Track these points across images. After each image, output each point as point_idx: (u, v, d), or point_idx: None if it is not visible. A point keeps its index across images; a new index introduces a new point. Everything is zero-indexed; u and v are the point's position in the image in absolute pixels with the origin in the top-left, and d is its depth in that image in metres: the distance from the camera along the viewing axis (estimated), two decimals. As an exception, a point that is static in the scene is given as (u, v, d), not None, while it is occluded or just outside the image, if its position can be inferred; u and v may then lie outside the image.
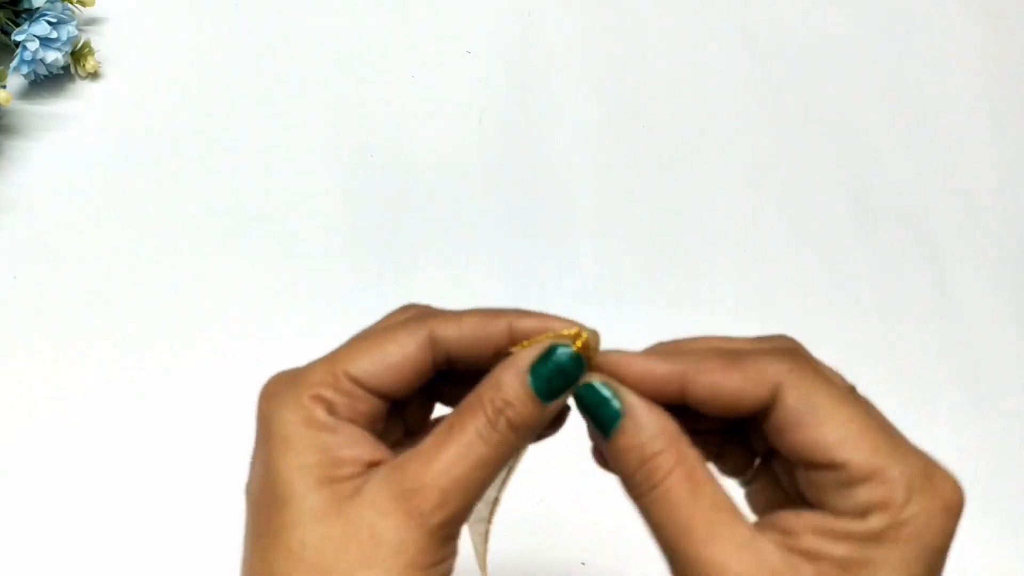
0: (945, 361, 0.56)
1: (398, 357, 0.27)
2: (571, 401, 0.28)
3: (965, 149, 0.63)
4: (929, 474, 0.25)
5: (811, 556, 0.24)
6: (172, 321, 0.53)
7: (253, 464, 0.27)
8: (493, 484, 0.28)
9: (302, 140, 0.59)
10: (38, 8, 0.57)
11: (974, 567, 0.49)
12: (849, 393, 0.26)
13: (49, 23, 0.57)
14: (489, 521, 0.30)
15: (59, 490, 0.48)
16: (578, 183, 0.60)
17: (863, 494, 0.24)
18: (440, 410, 0.31)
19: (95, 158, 0.58)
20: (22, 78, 0.59)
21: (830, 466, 0.24)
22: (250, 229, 0.56)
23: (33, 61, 0.57)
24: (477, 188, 0.59)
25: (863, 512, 0.24)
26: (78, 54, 0.59)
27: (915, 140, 0.63)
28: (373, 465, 0.26)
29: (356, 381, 0.27)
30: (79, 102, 0.60)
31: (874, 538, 0.24)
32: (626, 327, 0.55)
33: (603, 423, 0.26)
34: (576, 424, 0.29)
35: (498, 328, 0.28)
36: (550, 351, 0.26)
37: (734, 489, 0.29)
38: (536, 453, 0.29)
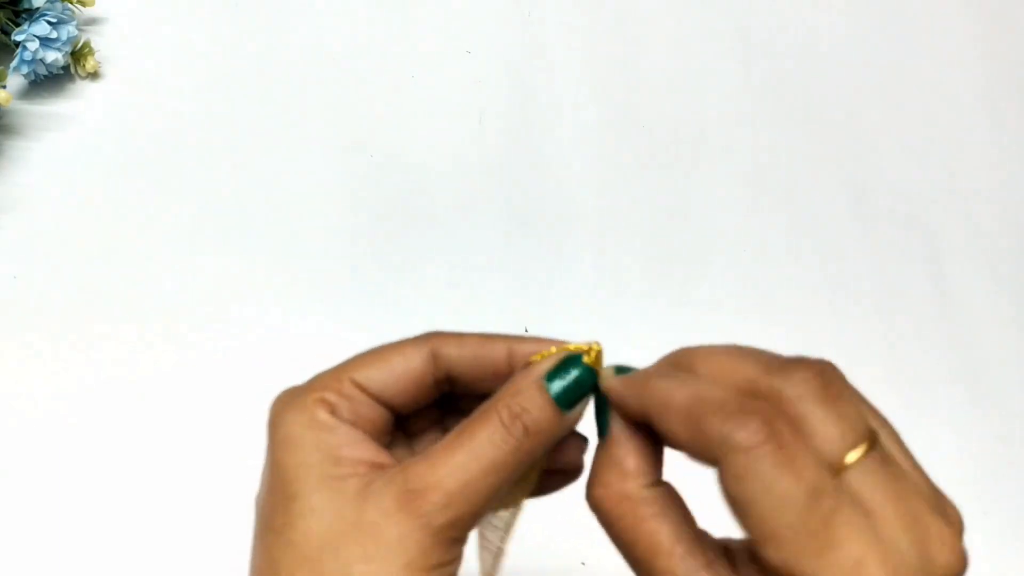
0: (945, 361, 0.56)
1: (401, 368, 0.28)
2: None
3: (965, 149, 0.63)
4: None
5: None
6: (172, 321, 0.53)
7: (264, 469, 0.28)
8: (497, 530, 0.29)
9: (302, 140, 0.59)
10: (38, 8, 0.57)
11: (974, 567, 0.49)
12: (814, 489, 0.22)
13: (49, 23, 0.57)
14: (494, 572, 0.30)
15: (59, 490, 0.48)
16: (578, 183, 0.60)
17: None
18: None
19: (95, 158, 0.58)
20: (22, 78, 0.59)
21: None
22: (250, 229, 0.56)
23: (33, 61, 0.57)
24: (477, 188, 0.59)
25: None
26: (78, 54, 0.59)
27: (915, 140, 0.63)
28: (376, 467, 0.27)
29: (359, 386, 0.28)
30: (79, 102, 0.60)
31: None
32: (626, 327, 0.55)
33: (601, 425, 0.27)
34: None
35: (497, 350, 0.28)
36: (567, 361, 0.27)
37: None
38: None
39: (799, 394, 0.23)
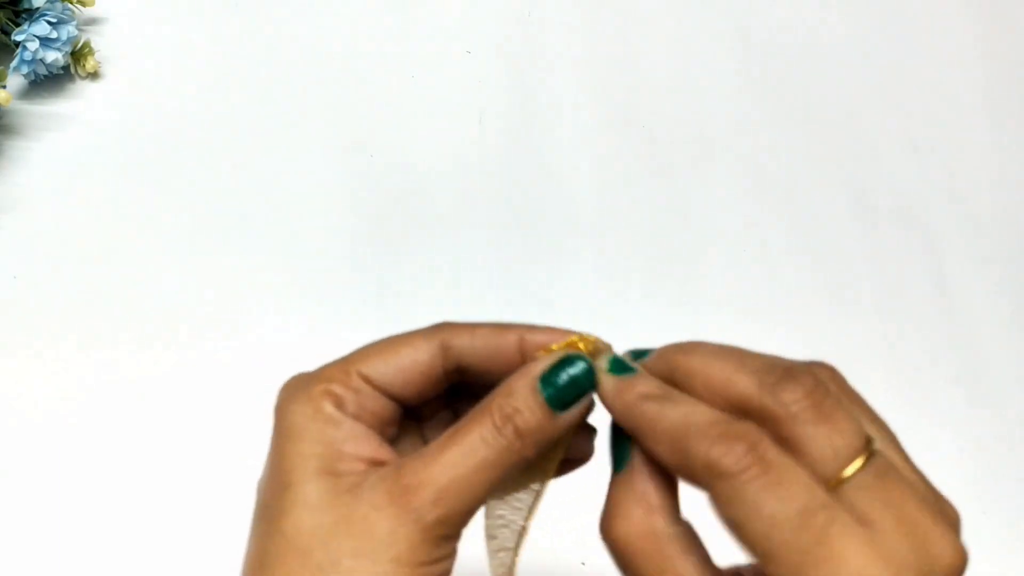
0: (945, 361, 0.56)
1: (409, 360, 0.28)
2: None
3: (965, 149, 0.63)
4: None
5: None
6: (172, 321, 0.53)
7: (267, 459, 0.28)
8: (519, 511, 0.28)
9: (302, 140, 0.59)
10: (38, 8, 0.57)
11: (974, 567, 0.49)
12: (804, 508, 0.22)
13: (49, 23, 0.57)
14: (516, 552, 0.29)
15: (59, 490, 0.48)
16: (578, 183, 0.60)
17: None
18: None
19: (95, 158, 0.58)
20: (22, 78, 0.59)
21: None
22: (250, 229, 0.56)
23: (33, 61, 0.57)
24: (477, 188, 0.59)
25: None
26: (78, 54, 0.59)
27: (915, 140, 0.63)
28: (376, 464, 0.27)
29: (366, 379, 0.27)
30: (79, 102, 0.60)
31: None
32: (626, 327, 0.55)
33: (615, 459, 0.27)
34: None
35: (509, 340, 0.28)
36: (563, 361, 0.27)
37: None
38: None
39: (792, 414, 0.23)
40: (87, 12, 0.62)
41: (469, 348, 0.28)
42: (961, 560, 0.23)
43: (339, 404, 0.27)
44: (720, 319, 0.56)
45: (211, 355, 0.52)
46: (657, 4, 0.67)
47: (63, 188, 0.56)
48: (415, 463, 0.26)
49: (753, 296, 0.57)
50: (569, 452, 0.29)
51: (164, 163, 0.58)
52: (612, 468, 0.27)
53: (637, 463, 0.26)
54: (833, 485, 0.23)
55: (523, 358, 0.28)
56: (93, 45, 0.60)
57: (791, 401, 0.24)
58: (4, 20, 0.57)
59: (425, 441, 0.31)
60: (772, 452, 0.23)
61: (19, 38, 0.56)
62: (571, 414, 0.27)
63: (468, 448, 0.26)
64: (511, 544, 0.29)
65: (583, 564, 0.48)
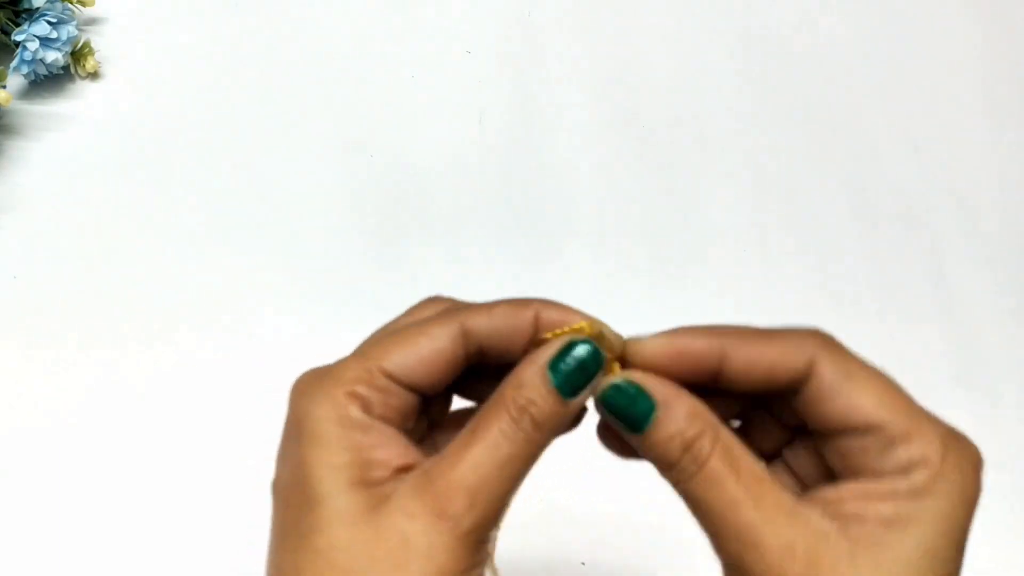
0: (945, 360, 0.56)
1: (432, 351, 0.27)
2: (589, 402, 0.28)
3: (965, 149, 0.63)
4: (955, 435, 0.26)
5: (856, 519, 0.25)
6: (172, 321, 0.53)
7: (283, 460, 0.27)
8: None
9: (302, 140, 0.59)
10: (38, 8, 0.57)
11: (974, 565, 0.49)
12: (875, 367, 0.27)
13: (49, 23, 0.57)
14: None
15: (59, 490, 0.48)
16: (578, 183, 0.60)
17: (903, 452, 0.25)
18: (458, 402, 0.31)
19: (95, 158, 0.58)
20: (22, 78, 0.59)
21: (869, 429, 0.25)
22: (250, 229, 0.56)
23: (33, 61, 0.57)
24: (477, 188, 0.59)
25: (905, 469, 0.25)
26: (78, 54, 0.59)
27: (915, 140, 0.63)
28: (404, 469, 0.26)
29: (391, 376, 0.27)
30: (79, 102, 0.60)
31: (917, 493, 0.25)
32: (626, 327, 0.55)
33: (636, 419, 0.26)
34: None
35: (526, 318, 0.28)
36: (568, 347, 0.26)
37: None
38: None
39: (822, 331, 0.28)
40: (87, 12, 0.62)
41: (488, 330, 0.27)
42: (981, 455, 0.27)
43: (366, 407, 0.26)
44: (720, 318, 0.56)
45: (211, 355, 0.52)
46: (657, 4, 0.67)
47: (63, 188, 0.56)
48: (441, 466, 0.25)
49: (753, 296, 0.57)
50: None
51: (164, 163, 0.58)
52: (625, 428, 0.27)
53: (666, 396, 0.26)
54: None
55: (538, 335, 0.28)
56: (93, 45, 0.60)
57: (812, 328, 0.28)
58: (4, 20, 0.57)
59: (431, 419, 0.30)
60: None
61: (19, 38, 0.56)
62: (580, 399, 0.27)
63: (491, 445, 0.25)
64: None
65: (583, 564, 0.48)
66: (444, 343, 0.27)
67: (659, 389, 0.27)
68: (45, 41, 0.57)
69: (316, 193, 0.58)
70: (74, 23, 0.58)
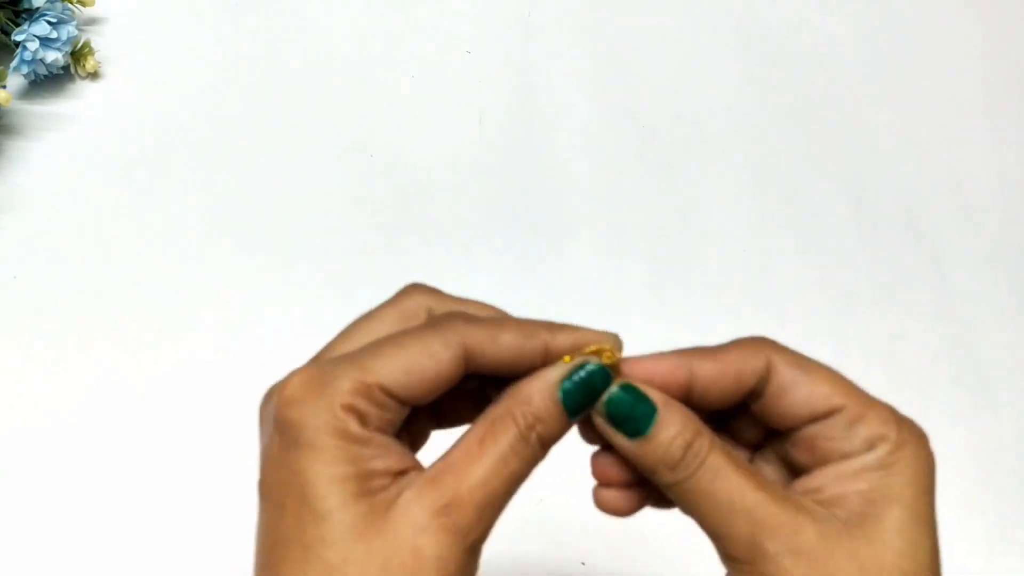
0: (945, 360, 0.56)
1: (432, 371, 0.27)
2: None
3: (965, 149, 0.63)
4: (899, 413, 0.28)
5: (838, 500, 0.27)
6: (172, 321, 0.53)
7: (275, 465, 0.26)
8: None
9: (302, 140, 0.59)
10: (38, 8, 0.57)
11: (973, 565, 0.49)
12: (821, 362, 0.29)
13: (49, 23, 0.57)
14: None
15: (59, 490, 0.48)
16: (578, 183, 0.60)
17: (864, 431, 0.27)
18: None
19: (95, 158, 0.58)
20: (22, 78, 0.59)
21: (831, 411, 0.27)
22: (250, 229, 0.56)
23: (33, 61, 0.57)
24: (477, 188, 0.59)
25: (869, 446, 0.27)
26: (78, 54, 0.59)
27: (915, 140, 0.63)
28: (401, 474, 0.26)
29: (388, 392, 0.26)
30: (79, 102, 0.60)
31: (885, 466, 0.27)
32: (626, 327, 0.55)
33: (638, 423, 0.27)
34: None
35: (535, 346, 0.28)
36: (580, 368, 0.27)
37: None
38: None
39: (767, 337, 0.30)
40: (87, 12, 0.62)
41: (493, 355, 0.27)
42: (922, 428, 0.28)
43: (363, 421, 0.26)
44: (720, 318, 0.56)
45: (211, 355, 0.52)
46: (657, 4, 0.67)
47: (63, 188, 0.56)
48: (449, 478, 0.26)
49: (753, 296, 0.57)
50: None
51: (164, 163, 0.58)
52: (628, 433, 0.27)
53: (663, 400, 0.27)
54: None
55: (546, 362, 0.28)
56: (93, 45, 0.60)
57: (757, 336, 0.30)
58: (4, 20, 0.57)
59: (409, 423, 0.30)
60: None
61: (19, 38, 0.56)
62: (581, 417, 0.28)
63: (500, 460, 0.26)
64: None
65: (583, 564, 0.48)
66: (445, 364, 0.27)
67: (655, 395, 0.28)
68: (45, 41, 0.57)
69: (316, 193, 0.58)
70: (74, 23, 0.58)
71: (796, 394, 0.28)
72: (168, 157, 0.58)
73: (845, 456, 0.27)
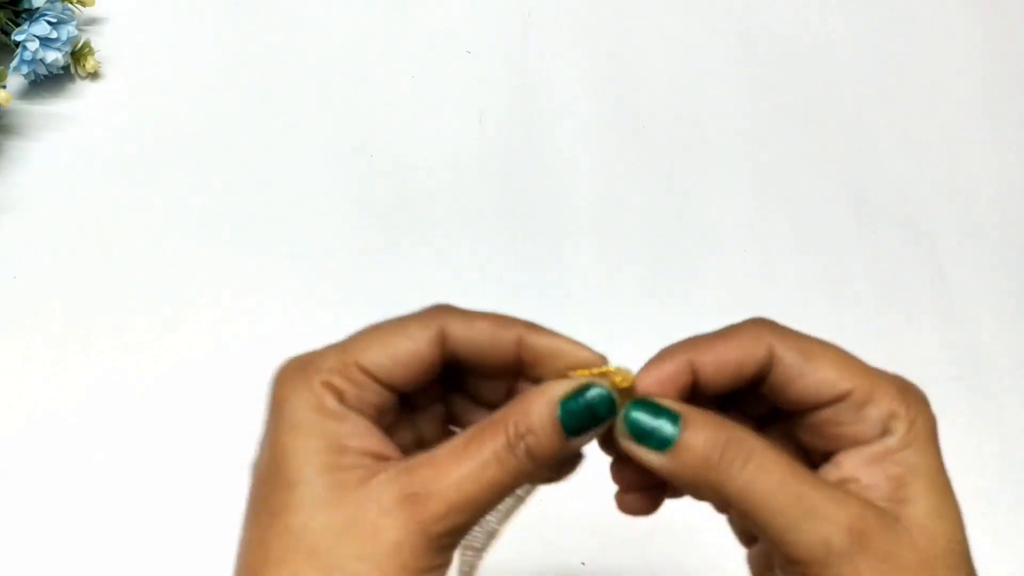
0: (945, 360, 0.56)
1: (407, 351, 0.28)
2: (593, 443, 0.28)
3: (965, 149, 0.63)
4: (902, 379, 0.28)
5: (871, 488, 0.27)
6: (172, 321, 0.53)
7: (261, 444, 0.28)
8: (497, 513, 0.28)
9: (302, 140, 0.59)
10: (38, 8, 0.57)
11: (978, 562, 0.49)
12: (824, 340, 0.29)
13: (49, 23, 0.57)
14: (483, 550, 0.30)
15: (59, 490, 0.48)
16: (578, 183, 0.60)
17: (875, 411, 0.27)
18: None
19: (95, 158, 0.58)
20: (22, 78, 0.59)
21: (838, 397, 0.27)
22: (249, 229, 0.56)
23: (33, 61, 0.57)
24: (477, 188, 0.59)
25: (884, 428, 0.27)
26: (78, 54, 0.59)
27: (915, 140, 0.63)
28: (379, 458, 0.27)
29: (366, 371, 0.27)
30: (79, 102, 0.60)
31: (907, 444, 0.27)
32: (626, 327, 0.55)
33: (663, 433, 0.27)
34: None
35: (508, 337, 0.28)
36: (585, 388, 0.27)
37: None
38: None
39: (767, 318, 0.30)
40: (87, 12, 0.62)
41: (465, 340, 0.28)
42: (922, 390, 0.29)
43: (340, 397, 0.27)
44: (719, 318, 0.56)
45: (211, 354, 0.52)
46: (657, 4, 0.67)
47: (63, 188, 0.56)
48: (426, 470, 0.26)
49: (753, 296, 0.57)
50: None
51: (164, 163, 0.58)
52: (655, 446, 0.27)
53: (694, 424, 0.27)
54: None
55: (518, 360, 0.28)
56: (93, 45, 0.60)
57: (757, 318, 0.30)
58: (4, 20, 0.57)
59: (416, 429, 0.30)
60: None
61: (19, 38, 0.56)
62: (580, 441, 0.27)
63: (480, 464, 0.26)
64: (479, 544, 0.29)
65: (583, 564, 0.48)
66: (420, 345, 0.28)
67: (673, 404, 0.27)
68: (45, 41, 0.57)
69: (316, 193, 0.58)
70: (74, 23, 0.58)
71: (801, 383, 0.28)
72: (168, 157, 0.58)
73: (858, 441, 0.27)
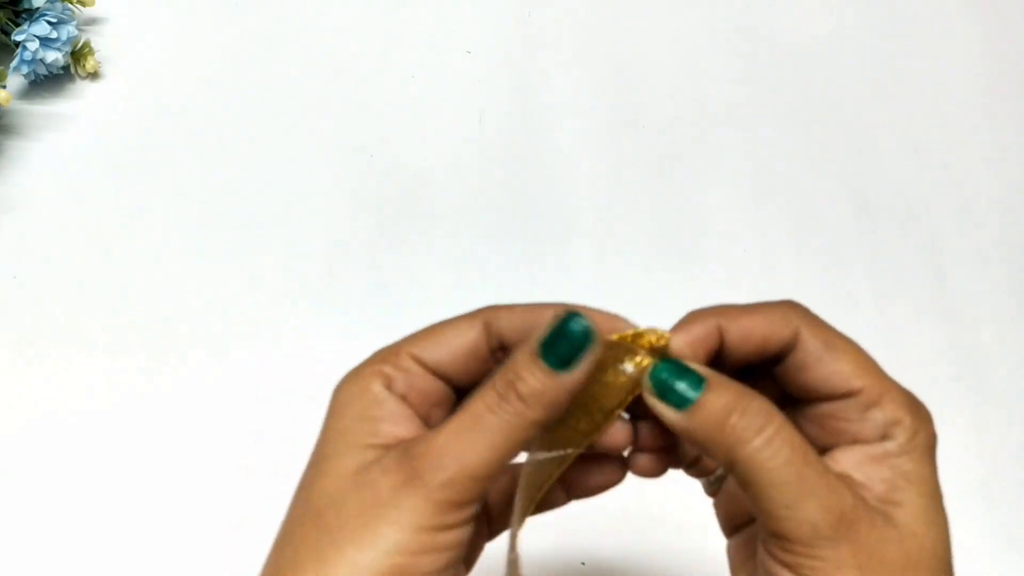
0: (945, 361, 0.56)
1: (456, 340, 0.29)
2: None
3: (965, 149, 0.63)
4: (911, 394, 0.29)
5: (863, 486, 0.27)
6: (172, 321, 0.53)
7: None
8: (544, 468, 0.29)
9: (302, 140, 0.59)
10: (38, 8, 0.57)
11: (975, 566, 0.49)
12: (848, 337, 0.29)
13: (49, 23, 0.57)
14: (519, 520, 0.30)
15: (58, 491, 0.48)
16: (578, 183, 0.60)
17: (879, 415, 0.28)
18: None
19: (95, 158, 0.58)
20: (22, 78, 0.59)
21: (849, 393, 0.28)
22: (249, 229, 0.56)
23: (33, 61, 0.57)
24: (477, 188, 0.59)
25: (886, 431, 0.27)
26: (78, 54, 0.59)
27: (915, 140, 0.63)
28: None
29: (416, 359, 0.29)
30: (79, 102, 0.60)
31: (905, 451, 0.27)
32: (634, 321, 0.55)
33: (684, 392, 0.27)
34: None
35: (544, 315, 0.28)
36: (559, 321, 0.27)
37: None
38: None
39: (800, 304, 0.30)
40: (87, 12, 0.62)
41: (508, 326, 0.29)
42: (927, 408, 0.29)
43: (388, 384, 0.28)
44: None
45: (211, 354, 0.52)
46: (657, 4, 0.67)
47: (63, 188, 0.56)
48: (426, 435, 0.27)
49: (753, 296, 0.57)
50: (607, 447, 0.30)
51: (164, 163, 0.58)
52: (674, 405, 0.27)
53: (717, 387, 0.27)
54: None
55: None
56: (93, 45, 0.60)
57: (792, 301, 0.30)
58: (4, 20, 0.57)
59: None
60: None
61: (19, 38, 0.56)
62: (576, 372, 0.27)
63: (472, 416, 0.27)
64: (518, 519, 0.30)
65: (583, 564, 0.48)
66: (469, 334, 0.29)
67: (700, 368, 0.28)
68: (45, 41, 0.57)
69: (316, 193, 0.58)
70: (74, 23, 0.58)
71: (817, 371, 0.28)
72: (168, 157, 0.58)
73: (857, 440, 0.28)
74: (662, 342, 0.29)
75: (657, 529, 0.48)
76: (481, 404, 0.27)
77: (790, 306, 0.29)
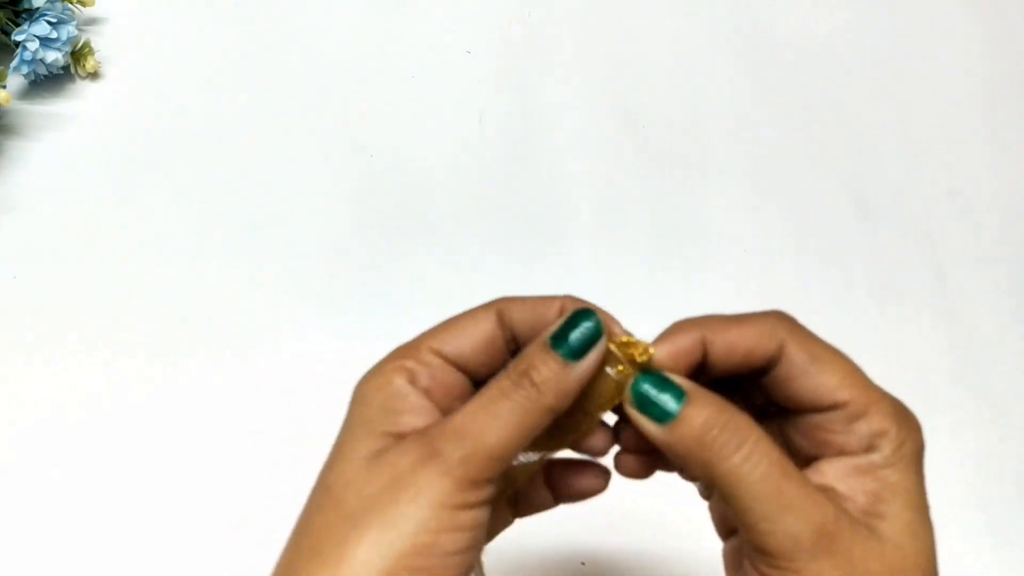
0: (945, 360, 0.56)
1: (472, 332, 0.30)
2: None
3: (965, 149, 0.63)
4: (900, 404, 0.28)
5: (847, 498, 0.27)
6: (171, 321, 0.53)
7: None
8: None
9: (302, 140, 0.59)
10: (38, 8, 0.57)
11: (975, 567, 0.50)
12: (835, 348, 0.29)
13: (49, 23, 0.57)
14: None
15: (57, 491, 0.48)
16: (578, 183, 0.60)
17: (865, 427, 0.27)
18: None
19: (95, 158, 0.58)
20: (22, 78, 0.59)
21: (835, 406, 0.28)
22: (249, 229, 0.56)
23: (33, 61, 0.57)
24: (477, 188, 0.59)
25: (871, 443, 0.27)
26: (78, 54, 0.59)
27: (915, 141, 0.63)
28: None
29: (436, 352, 0.29)
30: (79, 102, 0.60)
31: (890, 463, 0.27)
32: (625, 327, 0.55)
33: (664, 406, 0.28)
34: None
35: (553, 307, 0.30)
36: (573, 316, 0.28)
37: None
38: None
39: (787, 314, 0.31)
40: (87, 12, 0.62)
41: (519, 317, 0.30)
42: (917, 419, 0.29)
43: (411, 378, 0.29)
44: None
45: (210, 354, 0.52)
46: (657, 4, 0.67)
47: (63, 188, 0.56)
48: (442, 419, 0.28)
49: (753, 296, 0.57)
50: (586, 449, 0.30)
51: (164, 163, 0.58)
52: (655, 419, 0.28)
53: (690, 384, 0.28)
54: None
55: None
56: (93, 45, 0.60)
57: (778, 312, 0.31)
58: (4, 20, 0.57)
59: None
60: None
61: (19, 38, 0.56)
62: (587, 362, 0.28)
63: (488, 399, 0.27)
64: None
65: (583, 564, 0.48)
66: (485, 326, 0.30)
67: (682, 382, 0.28)
68: (45, 41, 0.57)
69: (316, 193, 0.58)
70: (74, 23, 0.58)
71: (802, 383, 0.28)
72: (168, 157, 0.58)
73: (842, 452, 0.28)
74: (644, 357, 0.29)
75: (657, 530, 0.48)
76: (496, 390, 0.27)
77: (776, 317, 0.30)
